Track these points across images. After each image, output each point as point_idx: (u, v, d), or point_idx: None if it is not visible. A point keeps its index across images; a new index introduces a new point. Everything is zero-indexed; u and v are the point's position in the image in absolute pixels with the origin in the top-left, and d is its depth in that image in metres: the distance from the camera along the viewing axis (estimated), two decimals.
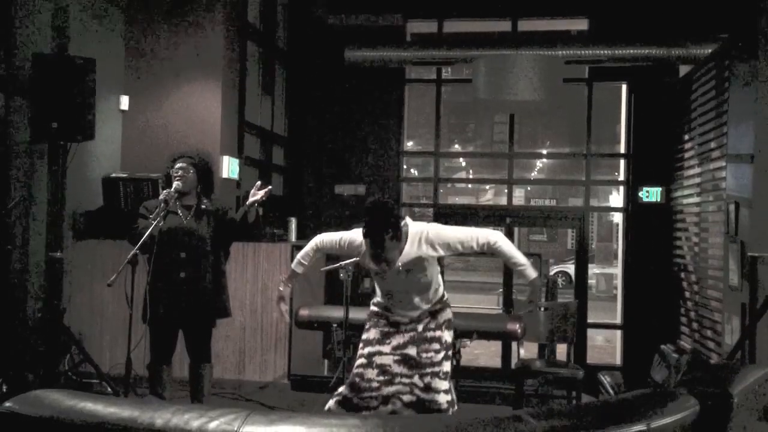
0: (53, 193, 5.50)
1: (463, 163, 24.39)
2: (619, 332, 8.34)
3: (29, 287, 5.49)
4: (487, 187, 24.46)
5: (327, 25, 8.22)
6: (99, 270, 5.86)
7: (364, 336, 3.78)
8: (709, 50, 6.67)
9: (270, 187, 4.37)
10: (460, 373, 5.41)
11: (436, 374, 3.61)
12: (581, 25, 8.32)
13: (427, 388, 3.59)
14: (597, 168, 9.51)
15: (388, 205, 3.53)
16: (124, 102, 6.69)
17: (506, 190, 8.79)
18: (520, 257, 3.63)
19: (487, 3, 8.28)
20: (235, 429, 1.68)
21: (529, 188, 23.72)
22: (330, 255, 4.73)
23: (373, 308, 3.84)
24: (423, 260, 3.57)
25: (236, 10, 6.93)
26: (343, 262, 4.44)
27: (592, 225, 19.24)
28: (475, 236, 3.58)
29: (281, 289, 3.89)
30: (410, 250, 3.53)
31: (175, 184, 4.32)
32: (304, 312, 5.76)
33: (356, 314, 4.60)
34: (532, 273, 3.63)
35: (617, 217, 14.38)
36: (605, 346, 10.88)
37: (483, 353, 10.05)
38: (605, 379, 6.71)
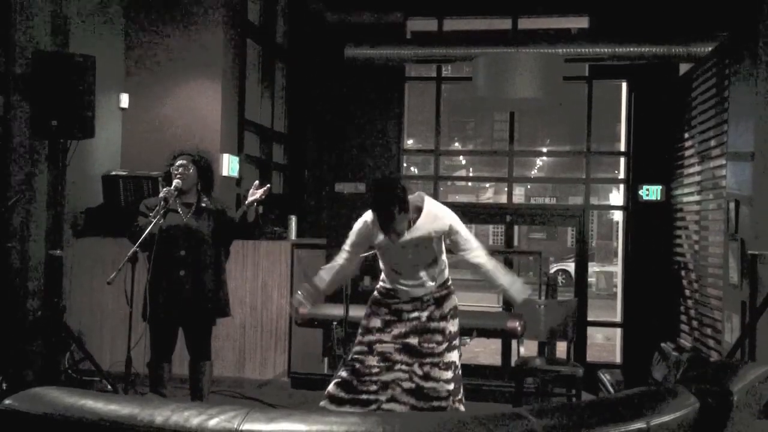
0: (53, 190, 5.50)
1: (464, 161, 24.43)
2: (619, 330, 8.35)
3: (29, 285, 5.49)
4: (488, 185, 24.47)
5: (327, 23, 8.22)
6: (99, 268, 5.85)
7: (364, 322, 3.82)
8: (710, 48, 6.65)
9: (269, 185, 4.38)
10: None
11: (435, 364, 3.65)
12: (582, 23, 8.32)
13: (426, 376, 3.64)
14: (597, 166, 9.52)
15: (394, 178, 3.64)
16: (124, 100, 6.68)
17: (506, 188, 8.78)
18: (502, 278, 3.69)
19: (487, 1, 8.29)
20: (235, 426, 1.68)
21: (529, 186, 23.77)
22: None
23: (376, 294, 3.87)
24: (431, 238, 3.68)
25: (236, 8, 6.92)
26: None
27: (592, 223, 19.26)
28: (471, 246, 3.68)
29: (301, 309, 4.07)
30: (423, 223, 3.64)
31: (175, 181, 4.32)
32: (303, 310, 5.75)
33: (356, 312, 4.60)
34: (518, 295, 3.69)
35: (617, 215, 14.38)
36: (605, 344, 10.89)
37: (483, 351, 10.06)
38: (605, 377, 6.72)
